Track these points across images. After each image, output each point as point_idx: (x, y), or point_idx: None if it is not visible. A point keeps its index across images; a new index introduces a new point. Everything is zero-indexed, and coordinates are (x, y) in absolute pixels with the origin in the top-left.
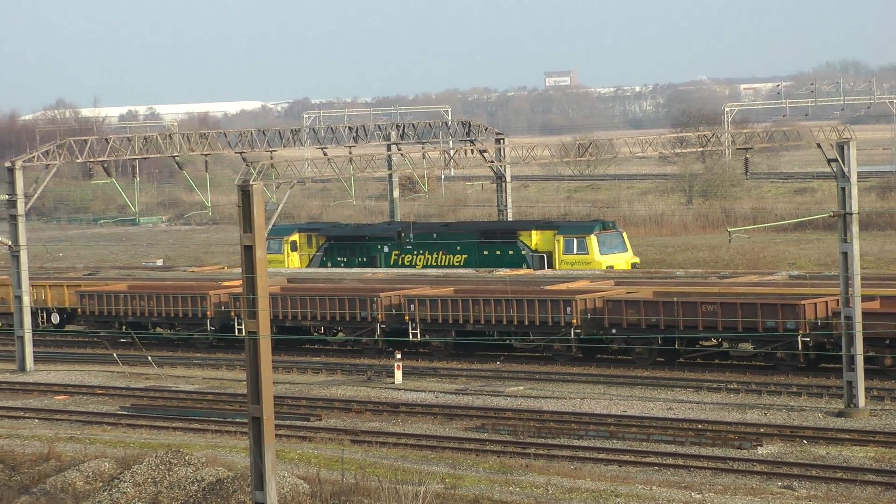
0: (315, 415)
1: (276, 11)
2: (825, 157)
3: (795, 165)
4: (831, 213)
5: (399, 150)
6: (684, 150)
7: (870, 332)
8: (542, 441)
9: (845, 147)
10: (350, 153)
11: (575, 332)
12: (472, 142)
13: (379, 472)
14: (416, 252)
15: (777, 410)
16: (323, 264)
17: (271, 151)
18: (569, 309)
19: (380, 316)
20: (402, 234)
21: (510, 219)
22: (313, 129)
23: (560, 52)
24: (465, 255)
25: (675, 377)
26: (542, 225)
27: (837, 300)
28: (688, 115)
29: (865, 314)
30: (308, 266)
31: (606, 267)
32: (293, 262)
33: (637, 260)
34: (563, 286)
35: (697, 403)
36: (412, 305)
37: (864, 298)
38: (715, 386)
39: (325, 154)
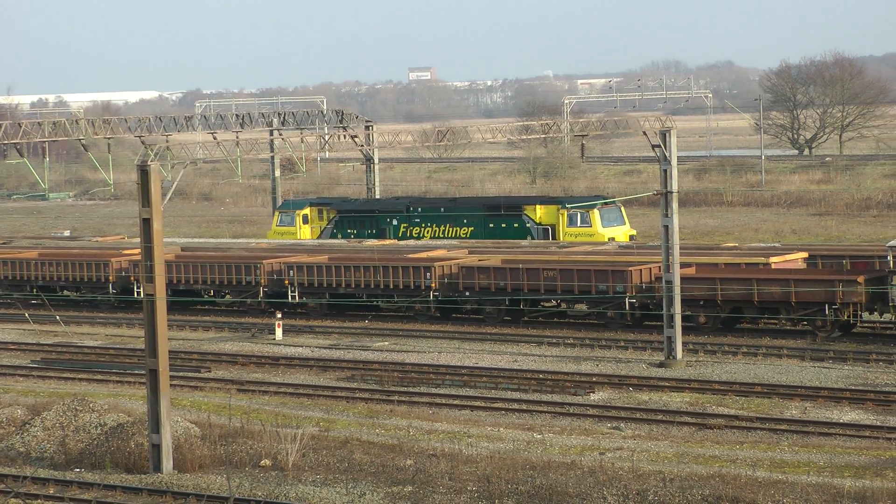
0: (205, 367)
1: (172, 10)
2: (650, 144)
3: (624, 150)
4: (655, 192)
5: (280, 135)
6: (529, 137)
7: (686, 294)
8: (405, 389)
9: (667, 135)
10: (237, 137)
11: (434, 295)
12: (344, 128)
13: (262, 417)
14: (423, 225)
15: (607, 362)
16: (333, 236)
17: (167, 136)
18: (428, 274)
19: (263, 280)
20: (411, 208)
21: (378, 195)
22: (204, 116)
23: (421, 49)
24: (472, 228)
25: (520, 333)
26: (546, 200)
27: (659, 267)
28: (532, 106)
29: (683, 279)
30: (319, 238)
31: (608, 239)
32: (305, 234)
33: (634, 232)
34: (423, 255)
35: (539, 356)
36: (291, 271)
37: (682, 265)
38: (554, 341)
39: (214, 138)
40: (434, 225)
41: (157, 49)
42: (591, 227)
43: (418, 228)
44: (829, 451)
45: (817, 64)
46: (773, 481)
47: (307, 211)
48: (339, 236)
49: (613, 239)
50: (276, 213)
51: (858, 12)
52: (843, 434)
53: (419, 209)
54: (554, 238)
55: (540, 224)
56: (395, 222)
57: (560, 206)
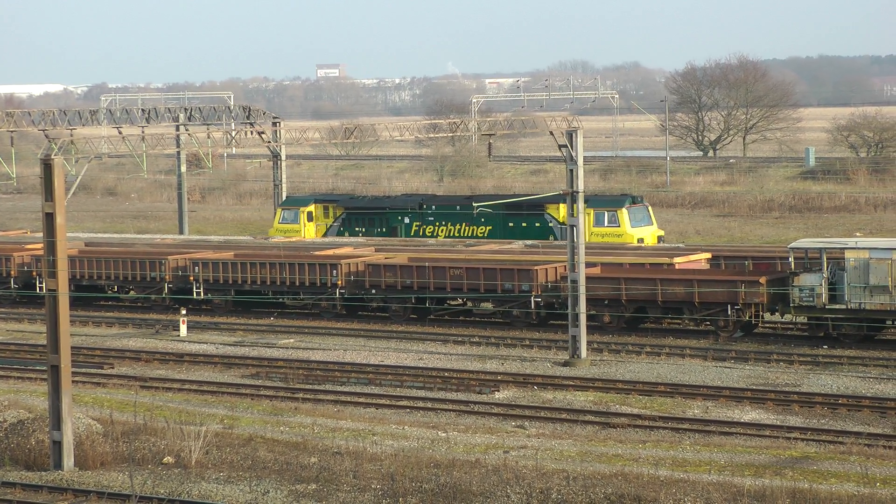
0: (108, 363)
1: (77, 2)
2: (557, 143)
3: (531, 150)
4: (561, 192)
5: (187, 130)
6: (437, 135)
7: (591, 293)
8: (310, 387)
9: (573, 135)
10: (142, 132)
11: (340, 292)
12: (251, 124)
13: (165, 414)
14: (437, 223)
15: (512, 361)
16: (340, 234)
17: (72, 129)
18: (335, 272)
19: (167, 276)
20: (424, 206)
21: (284, 193)
22: (110, 111)
23: (330, 46)
24: (490, 227)
25: (426, 332)
26: None
27: (565, 266)
28: (440, 104)
29: (588, 278)
30: (324, 236)
31: (637, 240)
32: (309, 232)
33: (662, 233)
34: (330, 252)
35: (445, 354)
36: (196, 267)
37: (588, 265)
38: (460, 339)
39: (120, 133)
40: (449, 223)
41: (63, 42)
42: (619, 227)
43: (432, 227)
44: (730, 450)
45: (722, 66)
46: (674, 480)
47: (311, 208)
48: (347, 234)
49: (642, 240)
50: (279, 210)
51: (762, 16)
52: (743, 433)
53: (433, 207)
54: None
55: (563, 224)
56: (406, 220)
57: (585, 205)
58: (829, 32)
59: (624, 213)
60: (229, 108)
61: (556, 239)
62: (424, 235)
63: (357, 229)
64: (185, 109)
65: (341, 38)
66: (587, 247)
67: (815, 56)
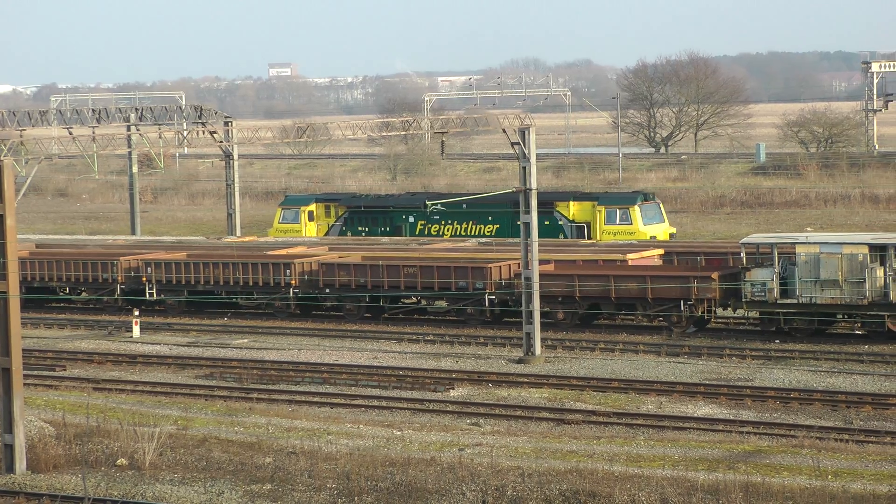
0: (60, 365)
1: (25, 1)
2: (509, 141)
3: (484, 148)
4: (514, 189)
5: (138, 130)
6: (389, 134)
7: (545, 290)
8: (264, 387)
9: (526, 132)
10: (93, 133)
11: (294, 292)
12: (203, 124)
13: (119, 416)
14: (443, 222)
15: (467, 358)
16: (342, 234)
17: (21, 130)
18: (288, 271)
19: (120, 277)
20: (429, 204)
21: (237, 193)
22: (60, 111)
23: (282, 45)
24: (497, 226)
25: (381, 330)
26: (580, 196)
27: (519, 263)
28: (393, 103)
29: (542, 275)
30: (326, 235)
31: (650, 237)
32: (310, 231)
33: (674, 230)
34: (283, 251)
35: (399, 353)
36: (149, 268)
37: (541, 262)
38: (414, 338)
39: (70, 133)
40: (455, 222)
41: (11, 42)
42: (631, 224)
43: (437, 226)
44: (684, 444)
45: (673, 63)
46: (629, 475)
47: (312, 207)
48: (349, 234)
49: (655, 237)
50: (279, 210)
51: (714, 13)
52: (697, 428)
53: (439, 205)
54: (589, 237)
55: (573, 222)
56: (411, 219)
57: (596, 203)
58: (778, 29)
59: (636, 211)
60: (181, 107)
61: (566, 237)
62: (430, 234)
63: (360, 229)
64: (136, 109)
65: (293, 37)
66: (540, 244)
67: (764, 52)
